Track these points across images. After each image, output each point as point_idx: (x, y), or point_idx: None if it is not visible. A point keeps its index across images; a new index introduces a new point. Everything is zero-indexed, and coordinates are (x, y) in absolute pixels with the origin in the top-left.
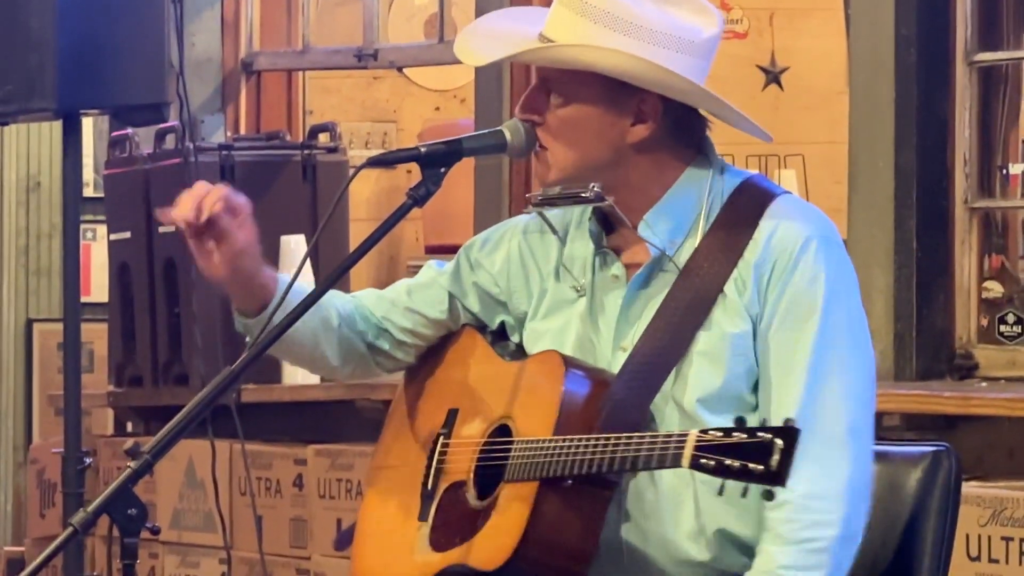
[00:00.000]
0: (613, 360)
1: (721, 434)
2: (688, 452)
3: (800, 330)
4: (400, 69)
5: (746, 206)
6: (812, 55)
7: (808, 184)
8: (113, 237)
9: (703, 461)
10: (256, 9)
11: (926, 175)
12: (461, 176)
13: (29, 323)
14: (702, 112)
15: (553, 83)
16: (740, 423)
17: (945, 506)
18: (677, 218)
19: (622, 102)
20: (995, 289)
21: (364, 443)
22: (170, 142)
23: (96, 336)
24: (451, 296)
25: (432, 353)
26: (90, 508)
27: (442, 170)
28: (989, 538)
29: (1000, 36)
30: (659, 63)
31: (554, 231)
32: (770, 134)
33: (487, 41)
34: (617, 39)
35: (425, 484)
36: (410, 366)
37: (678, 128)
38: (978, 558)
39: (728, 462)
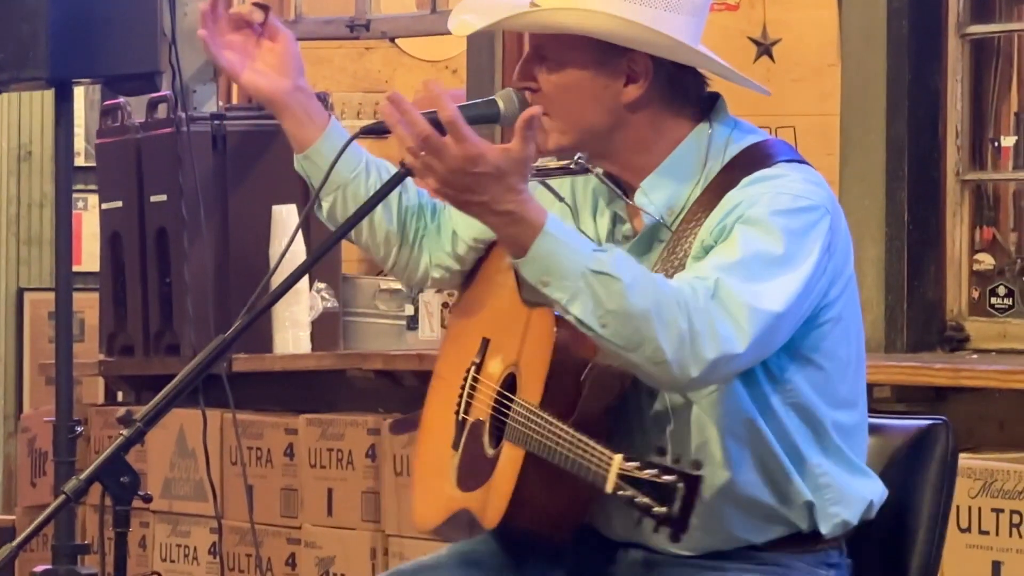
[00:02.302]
0: None
1: (637, 466)
2: (612, 479)
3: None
4: (392, 40)
5: (741, 169)
6: (804, 27)
7: None
8: (105, 206)
9: (620, 492)
10: None
11: (918, 147)
12: None
13: (20, 292)
14: (700, 70)
15: (544, 49)
16: (660, 453)
17: (941, 479)
18: (676, 184)
19: (612, 63)
20: (986, 261)
21: (355, 413)
22: (162, 111)
23: (87, 305)
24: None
25: (482, 262)
26: (82, 476)
27: None
28: (980, 510)
29: (992, 8)
30: (643, 22)
31: (559, 198)
32: (767, 88)
33: (478, 12)
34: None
35: (457, 412)
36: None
37: (672, 86)
38: (968, 529)
39: (638, 499)
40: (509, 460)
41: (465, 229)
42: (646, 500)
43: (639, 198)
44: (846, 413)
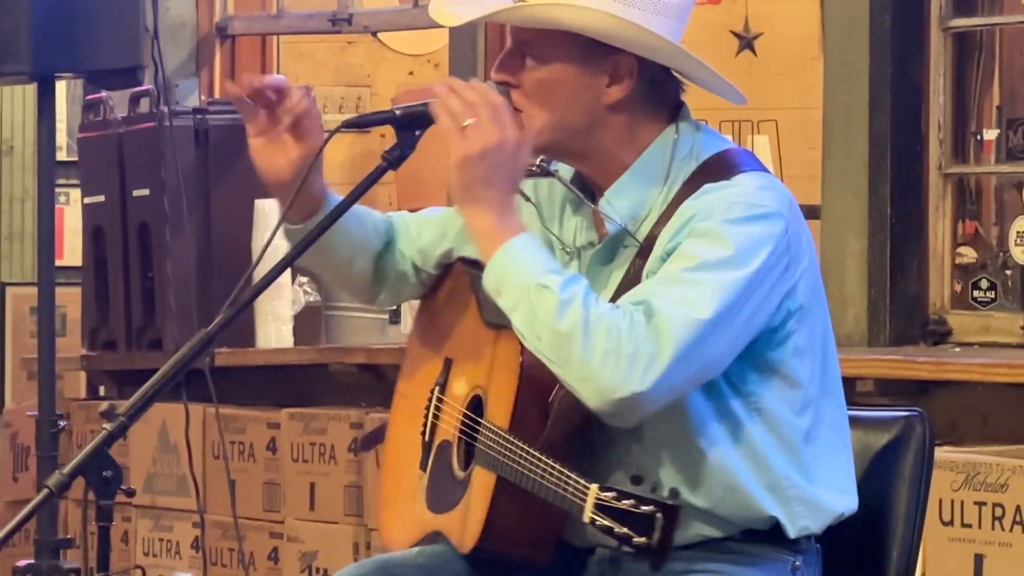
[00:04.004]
0: None
1: (614, 495)
2: (588, 509)
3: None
4: (374, 34)
5: (705, 178)
6: (786, 21)
7: (781, 150)
8: (87, 201)
9: (598, 522)
10: None
11: (900, 141)
12: (435, 139)
13: (2, 287)
14: (676, 75)
15: (528, 45)
16: (636, 482)
17: (918, 471)
18: (640, 191)
19: (597, 62)
20: (969, 255)
21: (338, 407)
22: (144, 106)
23: (69, 300)
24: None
25: (441, 282)
26: (65, 470)
27: (416, 133)
28: (962, 503)
29: (974, 2)
30: (635, 23)
31: (526, 198)
32: (744, 96)
33: (461, 4)
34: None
35: (423, 433)
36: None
37: (653, 90)
38: (951, 523)
39: (617, 529)
40: (481, 485)
41: (407, 245)
42: (625, 530)
43: (603, 205)
44: (808, 419)
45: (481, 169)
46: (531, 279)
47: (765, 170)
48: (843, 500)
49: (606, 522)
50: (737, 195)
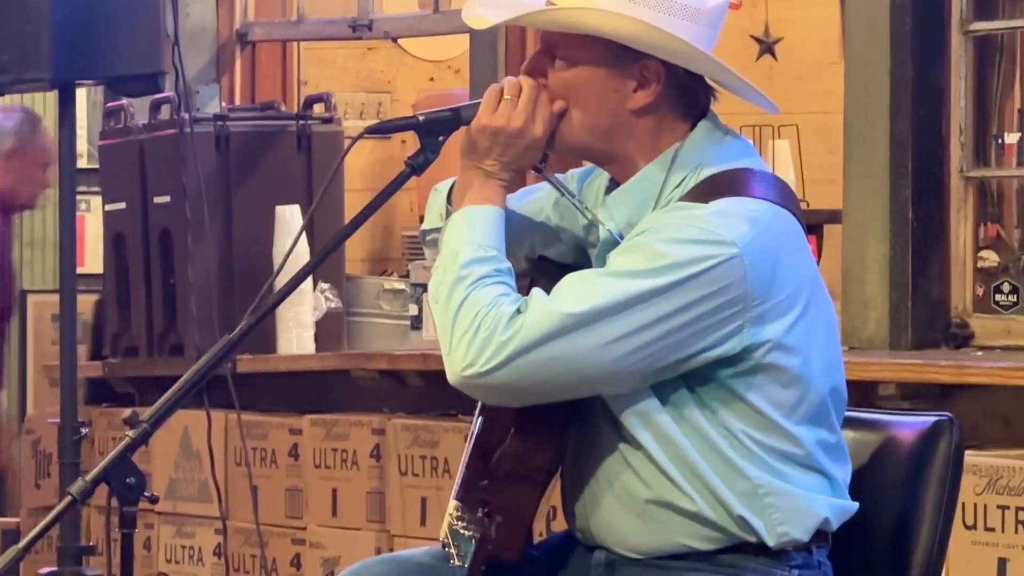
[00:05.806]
0: None
1: (459, 515)
2: (444, 526)
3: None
4: (395, 40)
5: (691, 196)
6: (806, 25)
7: (802, 154)
8: (108, 208)
9: (442, 540)
10: None
11: (921, 144)
12: (456, 145)
13: (23, 294)
14: (708, 82)
15: (557, 46)
16: (483, 508)
17: (945, 476)
18: (639, 201)
19: (625, 66)
20: (990, 258)
21: (359, 413)
22: (165, 112)
23: (90, 307)
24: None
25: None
26: (88, 477)
27: (440, 139)
28: (985, 507)
29: (995, 5)
30: (663, 28)
31: (562, 193)
32: (777, 105)
33: (491, 6)
34: (621, 3)
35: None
36: None
37: (681, 96)
38: (974, 526)
39: (449, 548)
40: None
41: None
42: (453, 551)
43: (602, 212)
44: (786, 442)
45: (489, 142)
46: (456, 245)
47: (767, 198)
48: (828, 503)
49: (448, 539)
50: (696, 218)
